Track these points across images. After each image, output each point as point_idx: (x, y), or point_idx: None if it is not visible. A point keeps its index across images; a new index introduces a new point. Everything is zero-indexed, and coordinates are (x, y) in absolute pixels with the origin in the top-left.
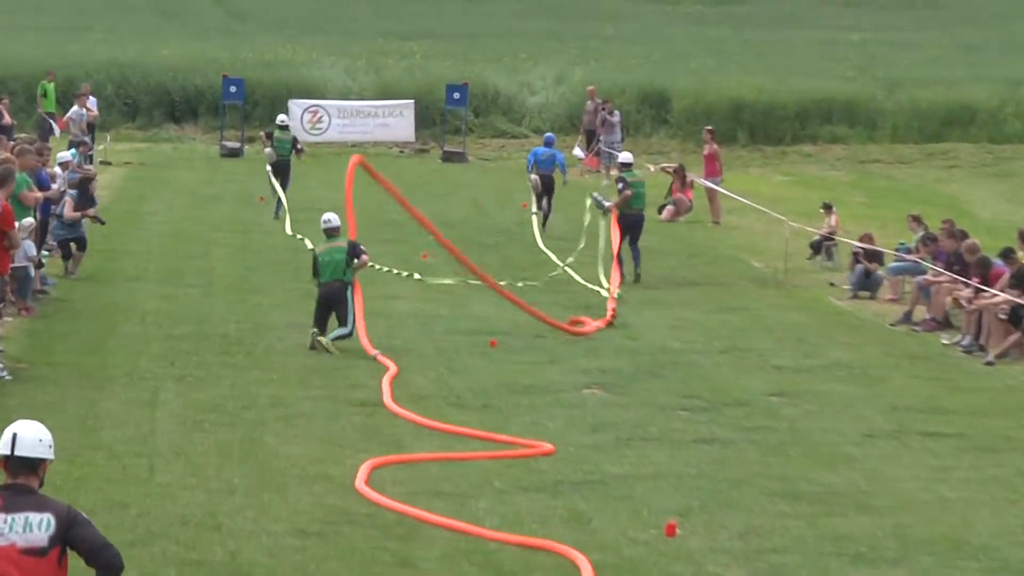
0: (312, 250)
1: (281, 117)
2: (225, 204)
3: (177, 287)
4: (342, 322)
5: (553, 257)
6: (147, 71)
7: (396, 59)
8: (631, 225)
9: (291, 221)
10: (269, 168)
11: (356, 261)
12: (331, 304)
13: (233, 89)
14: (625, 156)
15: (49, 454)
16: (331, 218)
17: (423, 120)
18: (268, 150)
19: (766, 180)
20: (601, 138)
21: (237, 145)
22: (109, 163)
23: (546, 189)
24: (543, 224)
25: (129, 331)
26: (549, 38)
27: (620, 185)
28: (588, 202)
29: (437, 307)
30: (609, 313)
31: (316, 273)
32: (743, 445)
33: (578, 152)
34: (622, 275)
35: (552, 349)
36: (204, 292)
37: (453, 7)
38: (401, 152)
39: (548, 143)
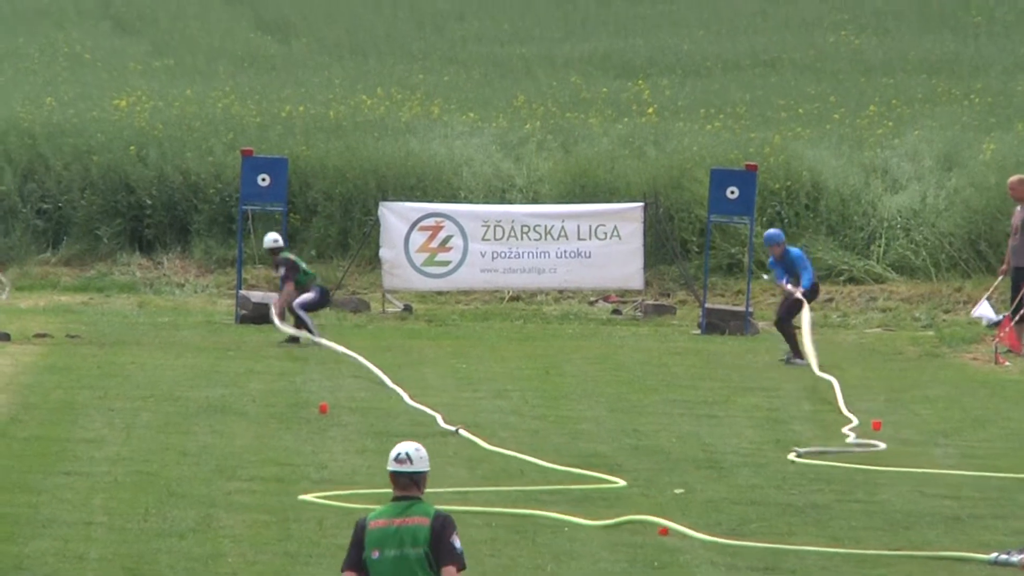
0: None
1: (272, 236)
2: (246, 422)
3: None
4: None
5: None
6: (84, 143)
7: (603, 116)
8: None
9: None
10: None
11: None
12: None
13: (264, 180)
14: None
15: None
16: None
17: (660, 246)
18: (284, 292)
19: None
20: None
21: (272, 297)
22: (5, 337)
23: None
24: None
25: None
26: (925, 70)
27: None
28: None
29: None
30: None
31: None
32: None
33: (985, 312)
34: None
35: None
36: None
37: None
38: (616, 312)
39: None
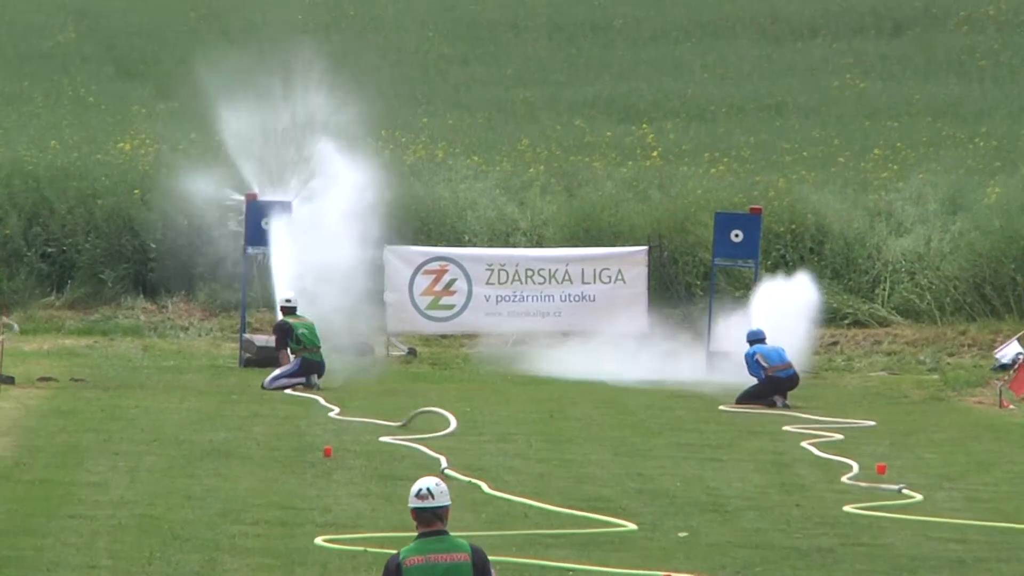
0: None
1: (284, 296)
2: (251, 465)
3: None
4: None
5: None
6: (88, 186)
7: (607, 160)
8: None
9: None
10: (285, 382)
11: None
12: None
13: (267, 224)
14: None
15: None
16: None
17: (664, 289)
18: (286, 364)
19: None
20: None
21: (275, 340)
22: (9, 380)
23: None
24: None
25: None
26: (930, 114)
27: None
28: None
29: None
30: None
31: None
32: None
33: (1013, 352)
34: None
35: None
36: None
37: (721, 48)
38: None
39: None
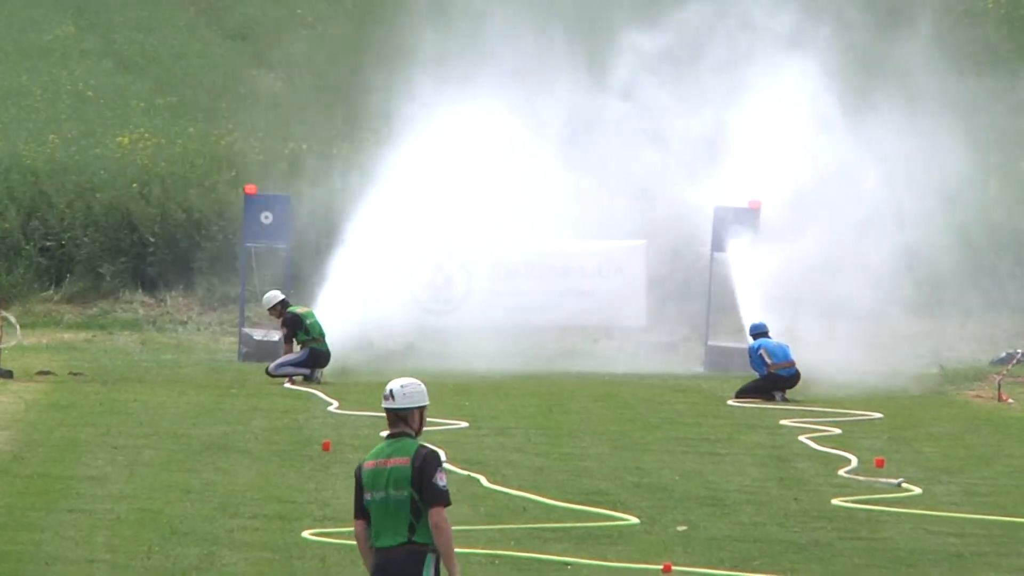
0: None
1: (269, 295)
2: (249, 459)
3: None
4: None
5: None
6: (87, 181)
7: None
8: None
9: None
10: (288, 377)
11: None
12: None
13: (267, 218)
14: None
15: None
16: None
17: (663, 283)
18: (292, 353)
19: None
20: None
21: (275, 336)
22: (8, 374)
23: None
24: None
25: None
26: None
27: None
28: None
29: None
30: None
31: None
32: None
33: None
34: None
35: None
36: None
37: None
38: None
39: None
